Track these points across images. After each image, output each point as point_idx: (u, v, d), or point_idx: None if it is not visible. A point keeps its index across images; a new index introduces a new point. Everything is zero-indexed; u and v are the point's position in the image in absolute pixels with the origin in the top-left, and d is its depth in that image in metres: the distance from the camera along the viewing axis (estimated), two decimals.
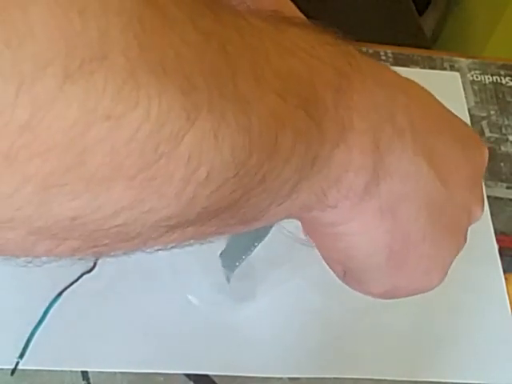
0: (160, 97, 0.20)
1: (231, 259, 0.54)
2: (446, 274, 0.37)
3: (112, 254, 0.24)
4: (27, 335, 0.52)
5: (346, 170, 0.29)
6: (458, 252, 0.37)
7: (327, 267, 0.36)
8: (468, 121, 0.70)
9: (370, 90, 0.30)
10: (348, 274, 0.36)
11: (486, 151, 0.37)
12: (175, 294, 0.56)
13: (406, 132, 0.31)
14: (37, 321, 0.52)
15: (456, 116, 0.37)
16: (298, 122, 0.26)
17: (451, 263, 0.37)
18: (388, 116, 0.31)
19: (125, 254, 0.25)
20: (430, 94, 0.36)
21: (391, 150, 0.31)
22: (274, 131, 0.24)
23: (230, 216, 0.26)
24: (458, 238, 0.36)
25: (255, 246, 0.50)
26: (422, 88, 0.36)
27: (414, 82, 0.36)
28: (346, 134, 0.28)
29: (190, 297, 0.56)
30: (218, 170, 0.23)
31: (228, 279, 0.53)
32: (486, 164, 0.37)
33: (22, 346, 0.52)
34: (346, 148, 0.28)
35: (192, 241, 0.27)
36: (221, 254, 0.55)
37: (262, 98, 0.24)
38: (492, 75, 0.74)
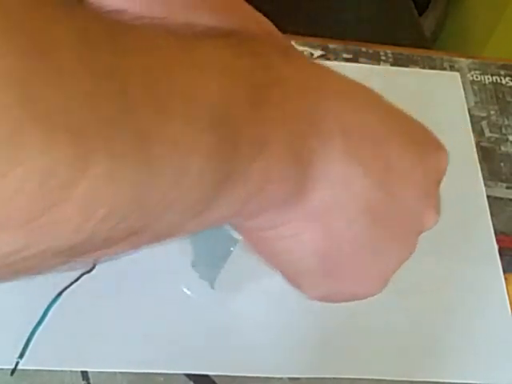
0: (47, 151, 0.19)
1: (207, 270, 0.54)
2: (388, 281, 0.36)
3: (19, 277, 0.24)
4: (27, 335, 0.52)
5: (266, 182, 0.28)
6: (404, 260, 0.36)
7: None
8: (468, 121, 0.70)
9: (291, 100, 0.29)
10: (286, 277, 0.35)
11: (445, 156, 0.36)
12: (175, 294, 0.56)
13: (336, 139, 0.31)
14: (37, 321, 0.52)
15: (412, 120, 0.36)
16: (207, 144, 0.25)
17: (395, 270, 0.36)
18: (312, 125, 0.30)
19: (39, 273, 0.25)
20: (378, 97, 0.35)
21: (317, 159, 0.30)
22: (177, 159, 0.24)
23: (138, 238, 0.26)
24: (405, 246, 0.35)
25: (229, 254, 0.50)
26: (369, 91, 0.35)
27: (359, 85, 0.35)
28: (264, 148, 0.28)
29: (184, 289, 0.56)
30: (118, 208, 0.22)
31: (212, 286, 0.53)
32: (445, 168, 0.36)
33: (21, 346, 0.52)
34: (264, 161, 0.28)
35: (108, 256, 0.27)
36: (192, 265, 0.55)
37: (163, 129, 0.23)
38: (492, 75, 0.74)
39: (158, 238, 0.27)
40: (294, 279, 0.35)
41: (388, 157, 0.33)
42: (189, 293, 0.56)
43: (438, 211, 0.36)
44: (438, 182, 0.36)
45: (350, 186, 0.31)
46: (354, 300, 0.36)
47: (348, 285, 0.35)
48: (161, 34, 0.25)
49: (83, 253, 0.24)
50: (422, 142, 0.35)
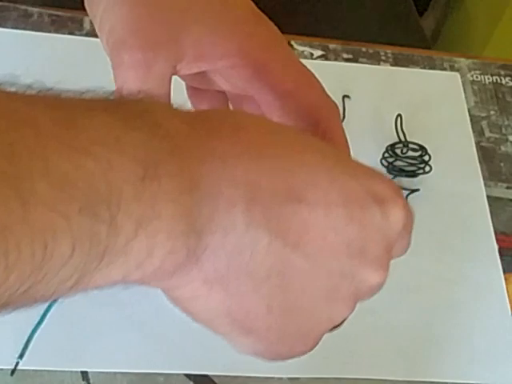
0: None
1: None
2: (316, 341, 0.35)
3: None
4: (27, 335, 0.52)
5: (149, 256, 0.28)
6: (338, 319, 0.34)
7: None
8: (468, 121, 0.70)
9: (188, 170, 0.28)
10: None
11: (400, 211, 0.34)
12: None
13: (238, 206, 0.30)
14: (37, 321, 0.52)
15: (355, 169, 0.34)
16: (78, 227, 0.25)
17: (326, 329, 0.34)
18: (209, 195, 0.29)
19: None
20: (309, 146, 0.33)
21: (215, 230, 0.29)
22: (41, 245, 0.24)
23: (11, 307, 0.26)
24: (334, 307, 0.34)
25: None
26: (301, 141, 0.33)
27: (282, 135, 0.33)
28: (149, 223, 0.27)
29: None
30: None
31: None
32: (398, 223, 0.34)
33: (21, 346, 0.51)
34: (148, 237, 0.27)
35: None
36: None
37: (26, 218, 0.23)
38: (492, 75, 0.74)
39: (33, 302, 0.27)
40: (219, 335, 0.35)
41: (304, 216, 0.31)
42: None
43: (381, 268, 0.34)
44: (386, 237, 0.34)
45: (253, 251, 0.30)
46: (284, 359, 0.35)
47: (270, 346, 0.34)
48: (38, 108, 0.25)
49: None
50: (360, 197, 0.32)
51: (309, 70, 0.44)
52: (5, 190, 0.22)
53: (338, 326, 0.35)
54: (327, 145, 0.35)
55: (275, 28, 0.44)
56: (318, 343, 0.35)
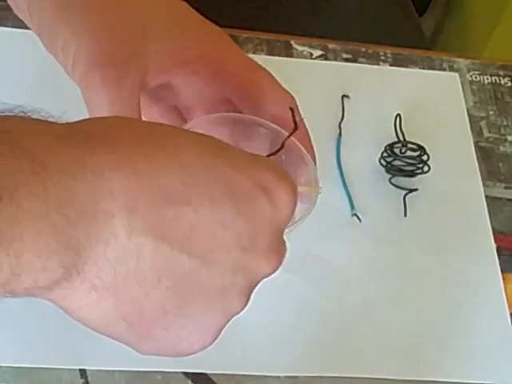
0: None
1: None
2: (215, 335, 0.35)
3: None
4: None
5: (16, 275, 0.28)
6: (232, 315, 0.35)
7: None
8: (467, 121, 0.70)
9: (56, 188, 0.28)
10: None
11: (287, 192, 0.34)
12: None
13: (117, 217, 0.30)
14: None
15: (238, 158, 0.34)
16: None
17: (224, 323, 0.35)
18: (84, 210, 0.29)
19: None
20: (186, 145, 0.33)
21: (92, 243, 0.29)
22: None
23: None
24: (229, 301, 0.34)
25: None
26: (175, 141, 0.33)
27: (155, 137, 0.32)
28: (9, 244, 0.27)
29: None
30: None
31: None
32: (287, 204, 0.34)
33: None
34: (10, 256, 0.27)
35: None
36: None
37: None
38: (491, 76, 0.74)
39: None
40: (120, 340, 0.35)
41: (190, 218, 0.31)
42: None
43: (274, 254, 0.34)
44: (276, 224, 0.34)
45: (139, 258, 0.30)
46: (185, 355, 0.35)
47: (169, 345, 0.34)
48: None
49: None
50: (246, 188, 0.33)
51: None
52: None
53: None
54: (206, 137, 0.34)
55: (214, 25, 0.48)
56: (217, 337, 0.35)
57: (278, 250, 0.34)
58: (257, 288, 0.57)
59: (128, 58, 0.42)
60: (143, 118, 0.45)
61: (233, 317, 0.35)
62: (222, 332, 0.35)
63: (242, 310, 0.35)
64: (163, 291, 0.32)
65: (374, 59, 0.73)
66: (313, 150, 0.49)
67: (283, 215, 0.34)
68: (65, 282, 0.30)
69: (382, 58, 0.73)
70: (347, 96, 0.69)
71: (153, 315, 0.32)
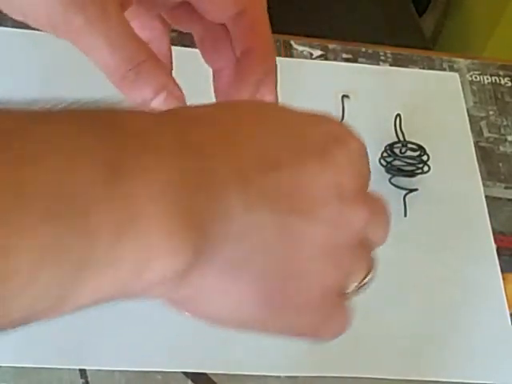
0: None
1: None
2: (344, 306, 0.35)
3: None
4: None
5: (146, 261, 0.26)
6: (345, 273, 0.34)
7: None
8: (467, 121, 0.70)
9: (162, 163, 0.27)
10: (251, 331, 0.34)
11: (359, 142, 0.34)
12: None
13: (232, 188, 0.29)
14: None
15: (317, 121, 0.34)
16: (39, 238, 0.23)
17: (344, 287, 0.34)
18: (199, 183, 0.28)
19: None
20: (263, 114, 0.33)
21: (214, 217, 0.28)
22: (3, 261, 0.22)
23: None
24: (339, 260, 0.33)
25: None
26: (252, 112, 0.33)
27: (240, 112, 0.33)
28: (131, 226, 0.25)
29: None
30: None
31: None
32: (362, 151, 0.34)
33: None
34: (135, 241, 0.25)
35: None
36: None
37: None
38: (491, 76, 0.74)
39: (23, 322, 0.25)
40: (250, 329, 0.34)
41: (289, 179, 0.31)
42: None
43: (366, 205, 0.34)
44: (358, 169, 0.34)
45: (260, 229, 0.30)
46: (334, 337, 0.35)
47: (302, 316, 0.33)
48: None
49: None
50: (323, 141, 0.33)
51: None
52: None
53: (365, 284, 0.35)
54: (267, 103, 0.34)
55: None
56: (346, 310, 0.35)
57: (365, 199, 0.34)
58: None
59: None
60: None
61: (352, 279, 0.34)
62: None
63: (361, 272, 0.34)
64: (284, 257, 0.31)
65: (374, 59, 0.73)
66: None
67: (362, 160, 0.34)
68: (194, 271, 0.28)
69: (382, 57, 0.73)
70: (347, 96, 0.69)
71: (278, 288, 0.31)
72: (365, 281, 0.35)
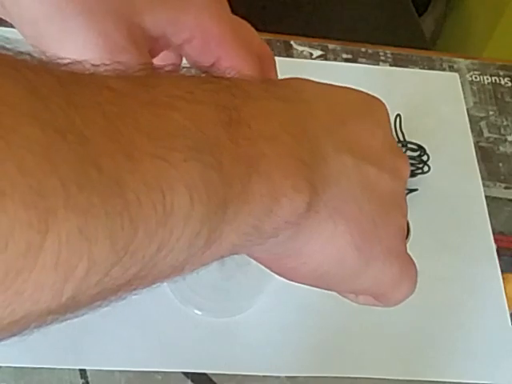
0: None
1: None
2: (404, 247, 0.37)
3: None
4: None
5: (274, 198, 0.27)
6: (405, 220, 0.36)
7: None
8: (467, 121, 0.70)
9: (269, 110, 0.29)
10: (339, 290, 0.36)
11: (384, 107, 0.37)
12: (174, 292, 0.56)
13: (321, 136, 0.31)
14: None
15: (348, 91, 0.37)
16: (189, 175, 0.24)
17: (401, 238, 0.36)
18: (300, 129, 0.30)
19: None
20: (335, 88, 0.36)
21: (316, 160, 0.30)
22: (159, 196, 0.23)
23: (138, 283, 0.25)
24: (400, 207, 0.36)
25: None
26: (334, 88, 0.36)
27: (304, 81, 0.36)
28: (257, 164, 0.27)
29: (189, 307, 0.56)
30: (99, 262, 0.21)
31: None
32: (387, 115, 0.37)
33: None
34: (263, 178, 0.27)
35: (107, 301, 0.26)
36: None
37: (135, 172, 0.22)
38: (491, 76, 0.74)
39: (160, 279, 0.26)
40: (347, 288, 0.36)
41: (354, 131, 0.34)
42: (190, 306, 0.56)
43: (404, 158, 0.37)
44: (389, 129, 0.38)
45: (348, 173, 0.32)
46: (404, 297, 0.38)
47: (388, 263, 0.35)
48: (125, 79, 0.25)
49: (75, 309, 0.23)
50: (362, 102, 0.37)
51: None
52: (109, 145, 0.22)
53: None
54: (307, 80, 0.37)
55: None
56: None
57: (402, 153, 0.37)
58: (256, 289, 0.57)
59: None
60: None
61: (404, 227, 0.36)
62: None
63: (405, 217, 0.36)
64: (369, 203, 0.33)
65: (374, 59, 0.73)
66: None
67: (388, 123, 0.37)
68: (311, 213, 0.30)
69: (382, 58, 0.73)
70: None
71: (370, 231, 0.33)
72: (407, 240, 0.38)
